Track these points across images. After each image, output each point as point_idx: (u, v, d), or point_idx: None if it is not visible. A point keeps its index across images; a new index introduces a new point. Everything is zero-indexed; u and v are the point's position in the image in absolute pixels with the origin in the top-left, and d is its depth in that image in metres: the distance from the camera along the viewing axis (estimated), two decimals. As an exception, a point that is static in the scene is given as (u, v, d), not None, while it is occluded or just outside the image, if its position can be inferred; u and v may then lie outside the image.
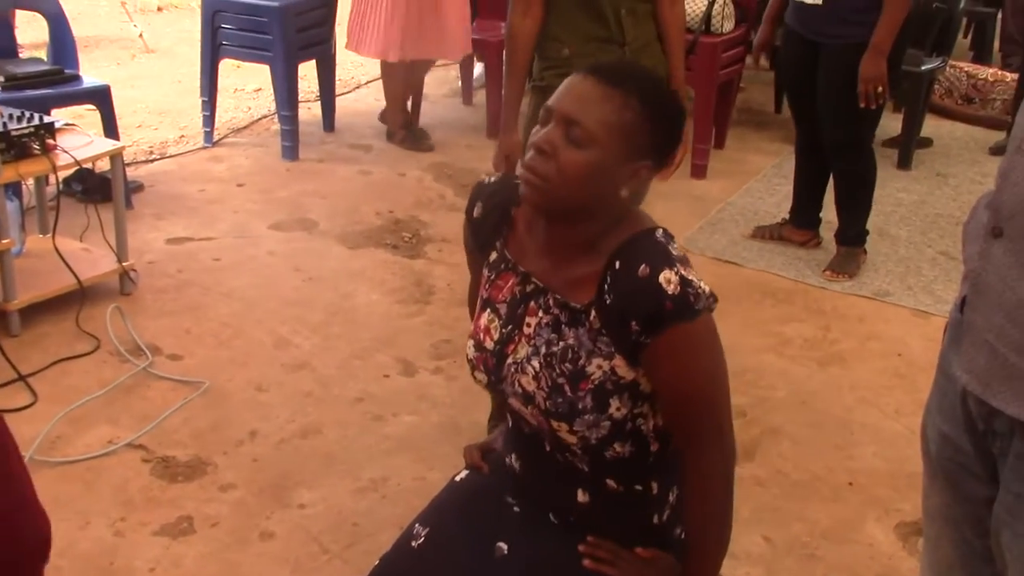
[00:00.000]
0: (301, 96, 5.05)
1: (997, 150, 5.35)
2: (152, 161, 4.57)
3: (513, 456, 1.77)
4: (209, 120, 4.87)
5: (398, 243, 3.92)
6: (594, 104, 1.51)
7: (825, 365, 3.20)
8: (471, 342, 1.74)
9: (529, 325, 1.64)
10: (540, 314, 1.63)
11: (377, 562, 1.89)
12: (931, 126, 5.55)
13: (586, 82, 1.53)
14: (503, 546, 1.75)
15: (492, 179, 1.74)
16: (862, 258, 3.94)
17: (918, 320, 3.56)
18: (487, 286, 1.73)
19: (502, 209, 1.69)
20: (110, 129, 3.81)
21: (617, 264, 1.52)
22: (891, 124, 5.62)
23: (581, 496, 1.70)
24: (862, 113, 3.66)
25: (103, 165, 3.46)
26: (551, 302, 1.62)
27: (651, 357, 1.54)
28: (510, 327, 1.67)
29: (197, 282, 3.43)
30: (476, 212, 1.74)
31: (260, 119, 5.34)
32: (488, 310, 1.72)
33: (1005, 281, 1.31)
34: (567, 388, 1.58)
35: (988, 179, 4.91)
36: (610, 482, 1.67)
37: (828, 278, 3.83)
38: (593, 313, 1.56)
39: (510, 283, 1.68)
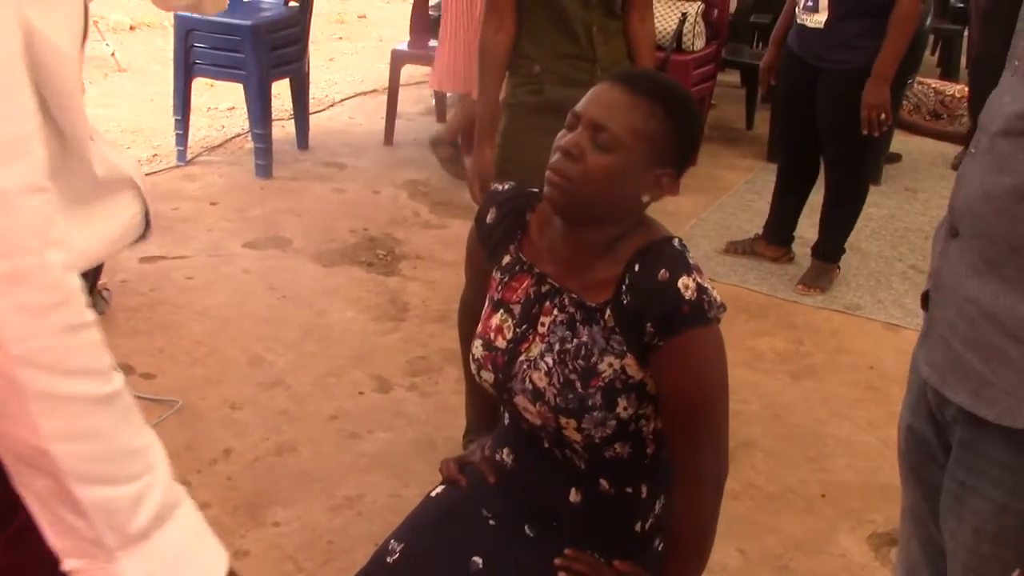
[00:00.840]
0: (275, 114, 5.05)
1: (958, 164, 5.43)
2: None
3: (506, 451, 1.78)
4: (182, 139, 4.86)
5: (373, 260, 3.93)
6: (621, 111, 1.56)
7: (798, 378, 3.23)
8: (479, 342, 1.76)
9: (543, 324, 1.67)
10: (555, 313, 1.66)
11: (352, 579, 1.89)
12: (900, 142, 5.62)
13: (614, 90, 1.58)
14: (478, 560, 1.76)
15: (506, 187, 1.78)
16: (835, 273, 3.98)
17: (889, 333, 3.59)
18: (499, 288, 1.75)
19: (516, 214, 1.74)
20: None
21: (636, 267, 1.56)
22: (861, 140, 5.70)
23: (573, 496, 1.71)
24: (861, 135, 3.68)
25: (75, 184, 3.43)
26: (566, 301, 1.65)
27: (662, 359, 1.57)
28: (525, 326, 1.69)
29: (170, 301, 3.42)
30: (489, 218, 1.77)
31: (234, 137, 5.33)
32: (501, 311, 1.73)
33: (956, 278, 1.37)
34: (578, 384, 1.61)
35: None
36: (603, 482, 1.68)
37: (801, 292, 3.86)
38: (608, 312, 1.59)
39: (525, 284, 1.71)
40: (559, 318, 1.65)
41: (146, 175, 4.51)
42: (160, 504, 0.87)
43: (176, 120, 4.84)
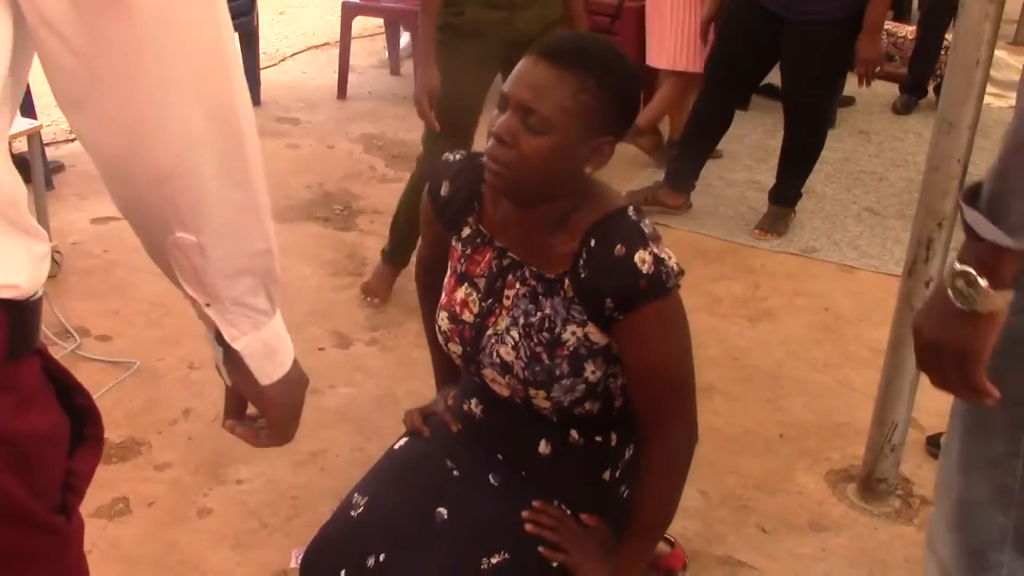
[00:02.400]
0: (225, 70, 4.97)
1: (899, 108, 5.47)
2: (73, 140, 4.46)
3: (474, 402, 1.79)
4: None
5: (329, 216, 3.90)
6: (548, 90, 1.51)
7: (755, 321, 3.26)
8: (444, 314, 1.76)
9: (508, 298, 1.67)
10: (518, 286, 1.66)
11: (317, 533, 1.90)
12: (852, 84, 5.63)
13: (538, 66, 1.53)
14: (443, 511, 1.77)
15: (455, 158, 1.75)
16: (791, 217, 4.01)
17: (844, 275, 3.64)
18: (462, 261, 1.75)
19: (471, 187, 1.71)
20: (27, 107, 3.71)
21: (593, 242, 1.56)
22: (814, 83, 5.71)
23: (543, 447, 1.74)
24: (831, 84, 3.70)
25: (20, 146, 3.37)
26: (527, 274, 1.65)
27: (624, 332, 1.59)
28: (490, 300, 1.70)
29: (124, 262, 3.37)
30: (443, 191, 1.75)
31: (183, 94, 5.23)
32: (465, 284, 1.74)
33: None
34: (544, 356, 1.62)
35: (909, 135, 5.05)
36: (573, 432, 1.71)
37: (758, 236, 3.89)
38: (567, 282, 1.60)
39: (487, 257, 1.71)
40: (522, 291, 1.65)
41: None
42: None
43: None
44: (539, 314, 1.63)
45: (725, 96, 3.91)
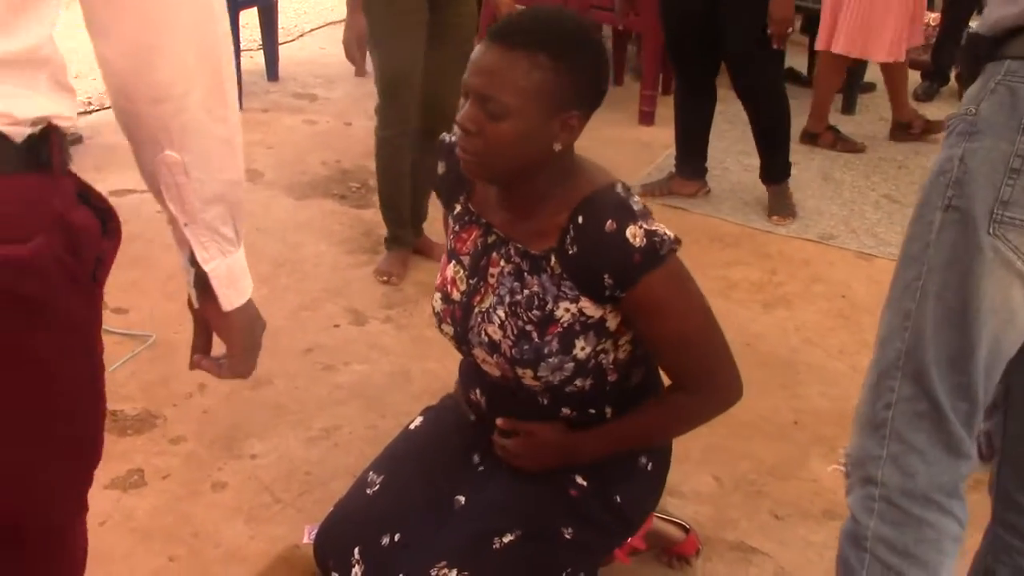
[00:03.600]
0: (243, 45, 4.97)
1: (920, 95, 5.43)
2: (91, 112, 4.47)
3: (478, 391, 1.81)
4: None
5: (346, 193, 3.90)
6: (502, 74, 1.50)
7: (771, 307, 3.25)
8: (438, 295, 1.76)
9: (492, 276, 1.67)
10: (502, 264, 1.65)
11: (332, 508, 1.91)
12: (873, 70, 5.59)
13: (490, 50, 1.52)
14: (461, 499, 1.78)
15: (452, 137, 1.74)
16: (790, 193, 3.97)
17: (862, 262, 3.62)
18: (452, 238, 1.76)
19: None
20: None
21: (581, 218, 1.55)
22: (835, 69, 5.66)
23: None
24: (777, 53, 3.70)
25: (40, 116, 3.37)
26: (512, 251, 1.64)
27: (632, 307, 1.58)
28: (476, 279, 1.69)
29: (141, 235, 3.37)
30: (440, 169, 1.77)
31: (201, 68, 5.23)
32: (453, 262, 1.74)
33: None
34: (535, 334, 1.61)
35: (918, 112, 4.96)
36: (565, 410, 1.71)
37: (778, 223, 3.87)
38: (553, 259, 1.59)
39: (474, 235, 1.71)
40: (506, 269, 1.65)
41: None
42: None
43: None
44: (526, 292, 1.62)
45: (693, 75, 3.88)
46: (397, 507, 1.82)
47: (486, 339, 1.68)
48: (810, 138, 4.72)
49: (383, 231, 3.37)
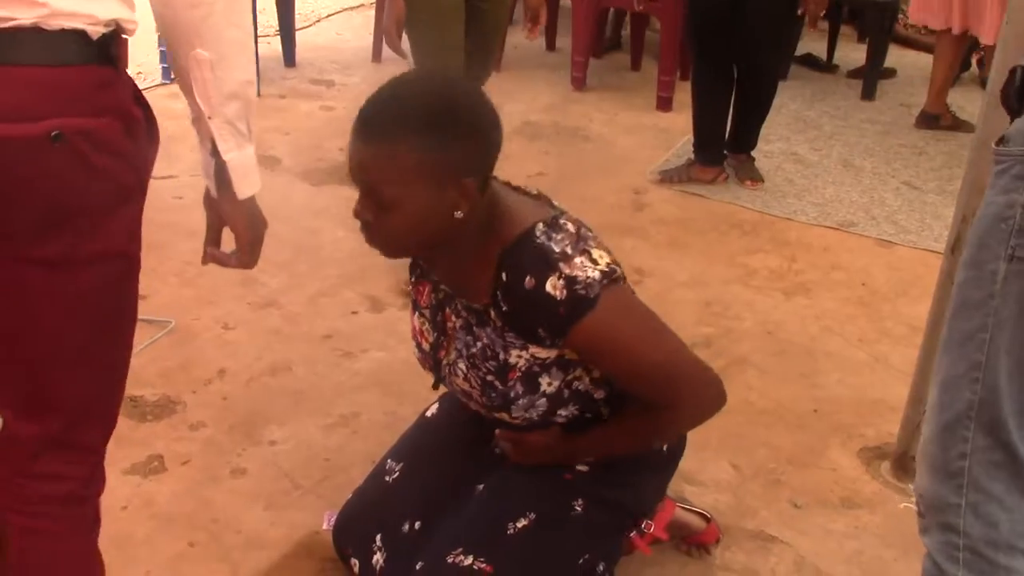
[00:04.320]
0: (260, 31, 4.96)
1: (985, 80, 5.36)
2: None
3: (472, 405, 1.81)
4: (166, 56, 4.77)
5: (363, 179, 3.89)
6: (374, 167, 1.47)
7: (790, 295, 3.23)
8: (414, 343, 1.80)
9: (450, 329, 1.68)
10: (454, 319, 1.67)
11: (351, 496, 1.91)
12: (894, 56, 5.56)
13: (358, 143, 1.49)
14: (479, 486, 1.78)
15: None
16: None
17: (881, 250, 3.59)
18: (412, 290, 1.78)
19: None
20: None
21: (504, 275, 1.52)
22: (855, 55, 5.64)
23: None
24: (789, 38, 3.90)
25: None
26: (459, 306, 1.65)
27: (576, 350, 1.57)
28: (437, 333, 1.71)
29: (160, 221, 3.38)
30: None
31: (219, 54, 5.23)
32: (418, 313, 1.77)
33: None
34: (497, 383, 1.62)
35: (951, 108, 4.95)
36: (561, 414, 1.70)
37: (752, 187, 3.98)
38: (493, 313, 1.58)
39: (427, 289, 1.73)
40: (458, 323, 1.65)
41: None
42: None
43: (159, 36, 4.74)
44: (479, 344, 1.62)
45: (715, 60, 3.88)
46: (416, 494, 1.83)
47: (458, 388, 1.71)
48: (931, 120, 4.75)
49: (401, 218, 3.37)
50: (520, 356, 1.59)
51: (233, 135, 1.39)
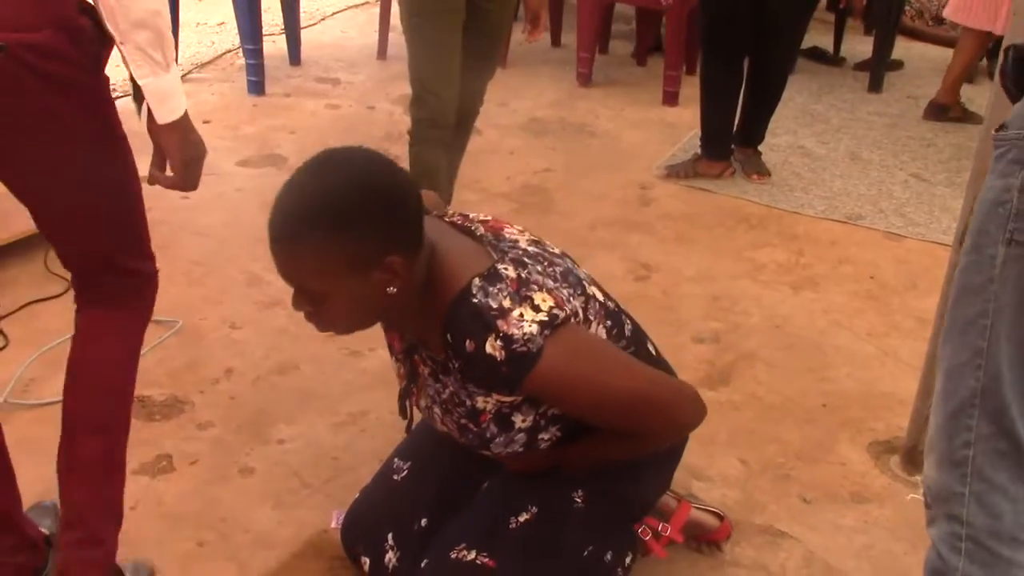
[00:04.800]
0: (266, 29, 4.96)
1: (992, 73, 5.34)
2: (118, 98, 4.47)
3: None
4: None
5: (369, 177, 3.89)
6: (290, 266, 1.48)
7: (798, 289, 3.22)
8: (399, 385, 1.81)
9: (420, 375, 1.69)
10: (422, 366, 1.67)
11: (359, 495, 1.91)
12: (902, 48, 5.54)
13: (274, 247, 1.49)
14: (485, 483, 1.78)
15: None
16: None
17: (890, 243, 3.58)
18: (387, 335, 1.79)
19: None
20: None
21: (449, 336, 1.52)
22: (862, 47, 5.61)
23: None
24: (807, 19, 3.89)
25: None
26: (425, 355, 1.65)
27: (534, 396, 1.57)
28: (408, 380, 1.73)
29: (166, 220, 3.39)
30: None
31: (224, 53, 5.24)
32: (394, 358, 1.78)
33: None
34: (471, 425, 1.63)
35: (961, 99, 4.93)
36: (545, 445, 1.71)
37: (760, 181, 3.97)
38: (452, 365, 1.57)
39: (397, 337, 1.74)
40: (427, 371, 1.66)
41: (137, 93, 4.34)
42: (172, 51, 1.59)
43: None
44: (448, 391, 1.63)
45: (724, 56, 3.86)
46: (424, 492, 1.83)
47: (439, 429, 1.73)
48: (939, 110, 4.74)
49: (407, 215, 3.36)
50: (487, 401, 1.59)
51: (146, 61, 1.54)
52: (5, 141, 1.55)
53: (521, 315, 1.46)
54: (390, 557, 1.79)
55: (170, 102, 1.60)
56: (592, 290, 1.65)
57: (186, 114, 1.67)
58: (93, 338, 1.81)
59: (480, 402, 1.59)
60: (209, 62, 5.11)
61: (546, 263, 1.58)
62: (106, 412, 1.82)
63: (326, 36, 5.67)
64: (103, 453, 1.81)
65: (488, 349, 1.45)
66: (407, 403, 1.75)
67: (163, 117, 1.61)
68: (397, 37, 5.43)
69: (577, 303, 1.57)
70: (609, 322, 1.66)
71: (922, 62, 5.62)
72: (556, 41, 5.68)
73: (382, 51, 5.29)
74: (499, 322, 1.45)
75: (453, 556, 1.66)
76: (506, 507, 1.72)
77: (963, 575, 1.37)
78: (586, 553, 1.73)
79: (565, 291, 1.56)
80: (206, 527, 2.13)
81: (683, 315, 3.02)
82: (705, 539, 2.08)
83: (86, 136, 1.61)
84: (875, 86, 5.14)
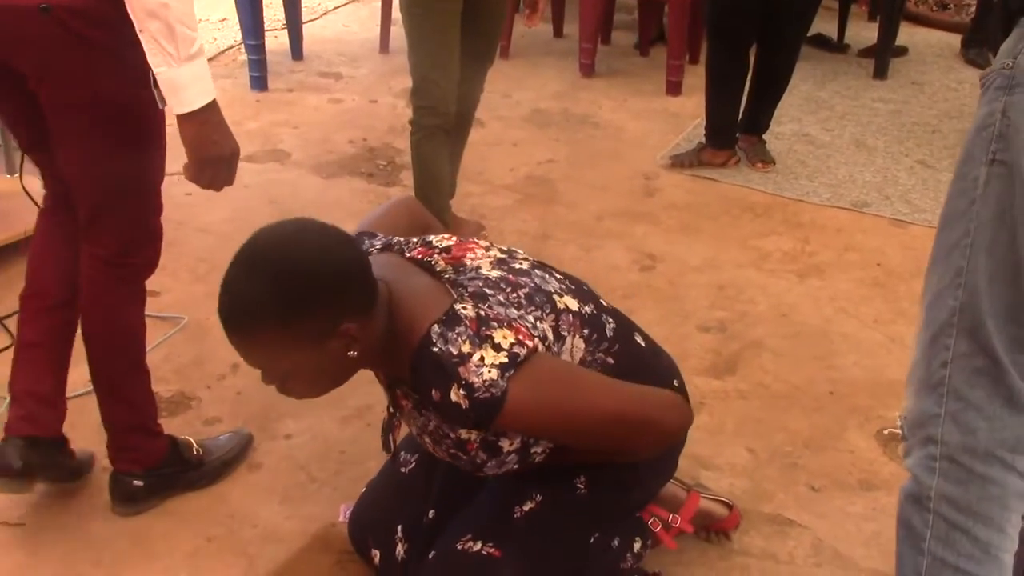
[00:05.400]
0: (267, 24, 4.95)
1: (980, 62, 5.32)
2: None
3: None
4: None
5: (373, 171, 3.89)
6: (248, 354, 1.51)
7: (804, 277, 3.21)
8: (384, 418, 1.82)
9: (403, 408, 1.70)
10: (404, 400, 1.68)
11: (364, 489, 1.91)
12: (906, 34, 5.51)
13: (230, 336, 1.51)
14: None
15: None
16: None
17: (896, 229, 3.57)
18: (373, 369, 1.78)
19: None
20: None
21: (416, 385, 1.52)
22: (866, 33, 5.59)
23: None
24: (814, 14, 3.89)
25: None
26: (405, 390, 1.66)
27: (509, 431, 1.58)
28: (392, 410, 1.74)
29: (171, 217, 3.35)
30: None
31: (227, 49, 5.23)
32: (382, 388, 1.79)
33: None
34: (460, 453, 1.63)
35: (964, 85, 4.93)
36: (539, 459, 1.71)
37: (765, 169, 3.95)
38: (427, 407, 1.59)
39: (380, 370, 1.74)
40: (409, 404, 1.67)
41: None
42: (200, 45, 1.68)
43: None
44: (432, 423, 1.63)
45: (731, 45, 3.85)
46: (431, 485, 1.83)
47: (434, 454, 1.74)
48: None
49: (411, 208, 3.35)
50: (470, 433, 1.59)
51: (159, 51, 1.62)
52: (49, 98, 1.74)
53: (482, 358, 1.44)
54: (399, 550, 1.79)
55: (182, 94, 1.68)
56: (564, 302, 1.61)
57: (208, 111, 1.73)
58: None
59: (464, 434, 1.59)
60: (212, 58, 5.10)
61: (509, 289, 1.56)
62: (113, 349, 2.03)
63: (328, 31, 5.66)
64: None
65: (453, 398, 1.44)
66: (390, 437, 1.75)
67: (176, 107, 1.69)
68: (399, 31, 5.41)
69: (546, 324, 1.55)
70: (586, 330, 1.63)
71: (927, 48, 5.60)
72: (558, 32, 5.67)
73: (384, 45, 5.29)
74: (460, 370, 1.44)
75: (459, 547, 1.66)
76: (510, 497, 1.73)
77: (937, 493, 1.39)
78: (592, 540, 1.73)
79: (531, 316, 1.53)
80: (214, 523, 2.13)
81: (689, 304, 3.01)
82: (714, 528, 2.08)
83: (119, 102, 1.77)
84: (880, 73, 5.11)
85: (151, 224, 2.05)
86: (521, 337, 1.47)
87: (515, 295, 1.55)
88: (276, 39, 5.21)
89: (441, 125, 3.04)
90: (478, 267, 1.60)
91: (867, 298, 3.10)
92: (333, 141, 4.12)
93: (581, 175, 3.91)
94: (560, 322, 1.58)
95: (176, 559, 2.03)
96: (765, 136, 4.08)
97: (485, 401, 1.43)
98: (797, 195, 3.79)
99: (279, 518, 2.15)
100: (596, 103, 4.69)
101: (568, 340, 1.59)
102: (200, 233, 3.33)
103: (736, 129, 4.01)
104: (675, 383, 1.76)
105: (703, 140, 4.01)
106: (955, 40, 5.64)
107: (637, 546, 1.83)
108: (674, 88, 4.82)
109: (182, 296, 2.97)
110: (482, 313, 1.48)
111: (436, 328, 1.48)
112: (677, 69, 4.81)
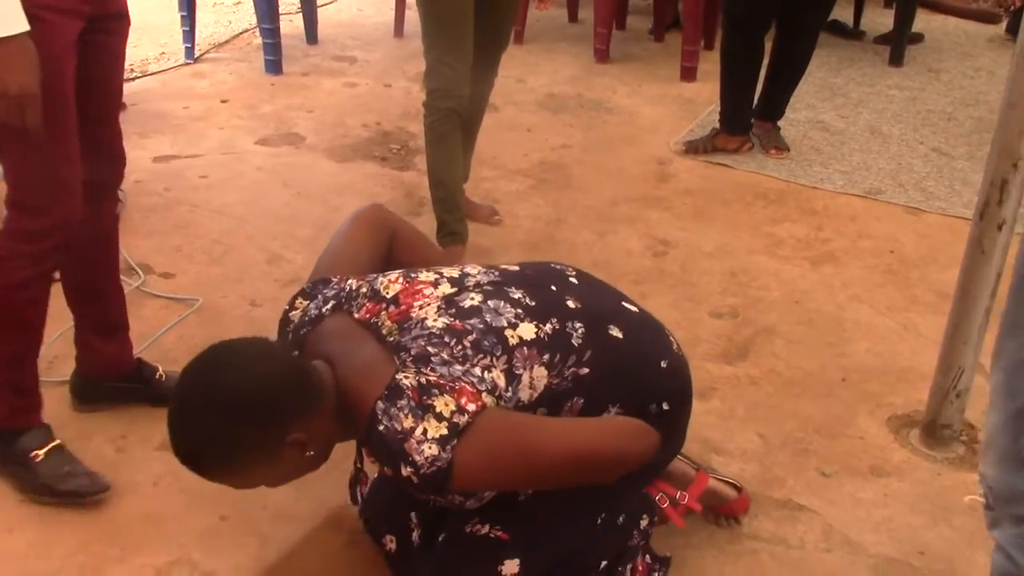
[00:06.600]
0: (282, 8, 4.96)
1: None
2: (133, 79, 4.50)
3: None
4: (189, 35, 4.78)
5: (387, 155, 3.89)
6: (210, 481, 1.59)
7: (817, 264, 3.21)
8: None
9: (369, 463, 1.76)
10: (371, 458, 1.71)
11: (375, 477, 1.92)
12: (922, 21, 5.48)
13: (187, 468, 1.58)
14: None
15: None
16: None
17: (910, 217, 3.55)
18: None
19: None
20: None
21: (373, 458, 1.60)
22: (882, 20, 5.56)
23: None
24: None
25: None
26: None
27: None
28: (359, 464, 1.82)
29: (185, 200, 3.41)
30: None
31: (241, 33, 5.24)
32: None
33: None
34: (438, 499, 1.65)
35: (980, 73, 4.90)
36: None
37: (776, 155, 3.95)
38: None
39: None
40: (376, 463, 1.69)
41: (154, 73, 4.44)
42: None
43: (182, 16, 4.75)
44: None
45: (747, 31, 3.83)
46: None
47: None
48: None
49: (424, 192, 3.36)
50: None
51: None
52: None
53: (424, 432, 1.47)
54: (416, 535, 1.81)
55: None
56: (518, 334, 1.60)
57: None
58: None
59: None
60: (226, 42, 5.11)
61: (454, 341, 1.56)
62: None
63: (343, 14, 5.66)
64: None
65: (404, 473, 1.49)
66: (357, 490, 1.83)
67: None
68: (413, 15, 5.41)
69: (497, 370, 1.55)
70: (547, 355, 1.61)
71: (943, 35, 5.56)
72: (573, 17, 5.66)
73: (398, 29, 5.29)
74: (405, 447, 1.47)
75: (468, 530, 1.68)
76: None
77: None
78: (599, 521, 1.74)
79: (478, 369, 1.53)
80: (226, 503, 2.15)
81: (701, 290, 3.01)
82: (724, 511, 2.09)
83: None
84: (896, 59, 5.09)
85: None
86: (464, 401, 1.49)
87: (460, 347, 1.55)
88: (291, 23, 5.21)
89: (455, 108, 3.03)
90: (423, 319, 1.60)
91: (880, 285, 3.09)
92: (347, 125, 4.13)
93: (595, 160, 3.91)
94: (514, 361, 1.58)
95: (191, 538, 2.05)
96: (780, 122, 4.06)
97: (432, 475, 1.47)
98: (811, 182, 3.78)
99: (289, 500, 2.16)
100: (610, 88, 4.69)
101: (525, 376, 1.58)
102: (215, 215, 3.34)
103: (751, 115, 4.00)
104: (663, 364, 1.76)
105: (717, 126, 4.01)
106: (971, 27, 5.61)
107: (644, 523, 1.84)
108: (689, 74, 4.80)
109: (197, 278, 2.99)
110: (423, 381, 1.50)
111: (380, 404, 1.50)
112: (692, 55, 4.80)
